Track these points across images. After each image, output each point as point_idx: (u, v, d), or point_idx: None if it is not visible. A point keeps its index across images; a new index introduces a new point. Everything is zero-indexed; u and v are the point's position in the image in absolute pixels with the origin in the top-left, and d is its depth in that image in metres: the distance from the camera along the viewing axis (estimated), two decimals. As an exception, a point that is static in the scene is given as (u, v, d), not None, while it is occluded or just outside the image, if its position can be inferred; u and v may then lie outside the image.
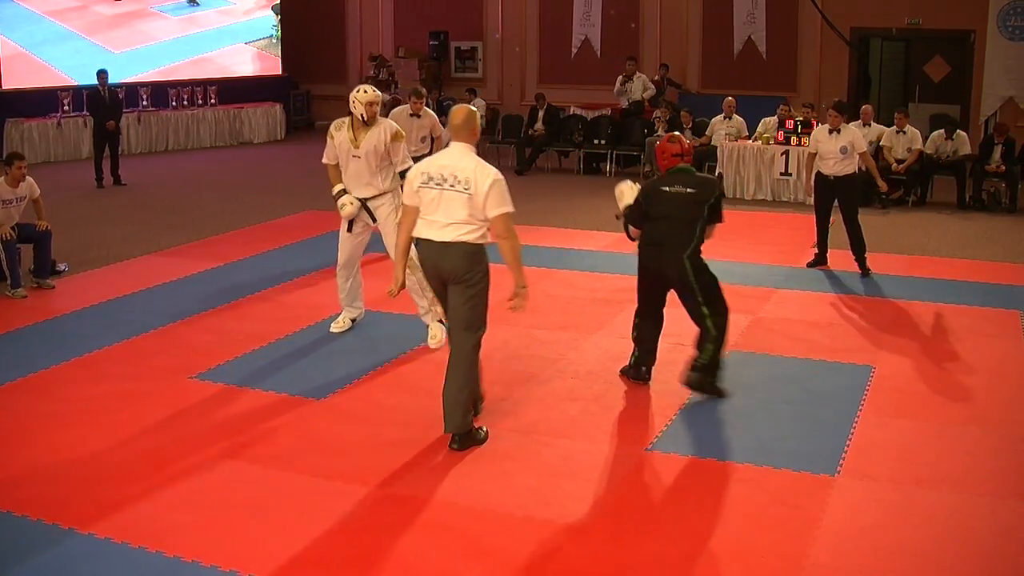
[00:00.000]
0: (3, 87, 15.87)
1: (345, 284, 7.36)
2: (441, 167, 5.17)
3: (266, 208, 12.11)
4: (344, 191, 7.06)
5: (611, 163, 15.22)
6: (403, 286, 5.51)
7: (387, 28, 19.61)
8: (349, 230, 7.18)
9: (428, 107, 10.13)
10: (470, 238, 5.12)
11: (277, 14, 19.30)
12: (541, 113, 15.45)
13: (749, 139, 13.43)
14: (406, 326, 7.42)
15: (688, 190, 5.97)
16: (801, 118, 13.00)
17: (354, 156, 6.96)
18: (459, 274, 5.15)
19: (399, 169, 6.95)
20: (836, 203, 9.19)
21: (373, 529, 4.50)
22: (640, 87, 15.71)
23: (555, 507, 4.70)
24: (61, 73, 16.49)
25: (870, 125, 12.85)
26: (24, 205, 8.52)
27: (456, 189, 5.09)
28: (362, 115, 6.87)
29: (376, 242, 7.50)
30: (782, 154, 12.90)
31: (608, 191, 11.18)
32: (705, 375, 6.01)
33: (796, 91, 15.95)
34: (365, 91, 6.95)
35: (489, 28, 18.71)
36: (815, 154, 9.40)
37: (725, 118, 13.76)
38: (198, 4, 18.20)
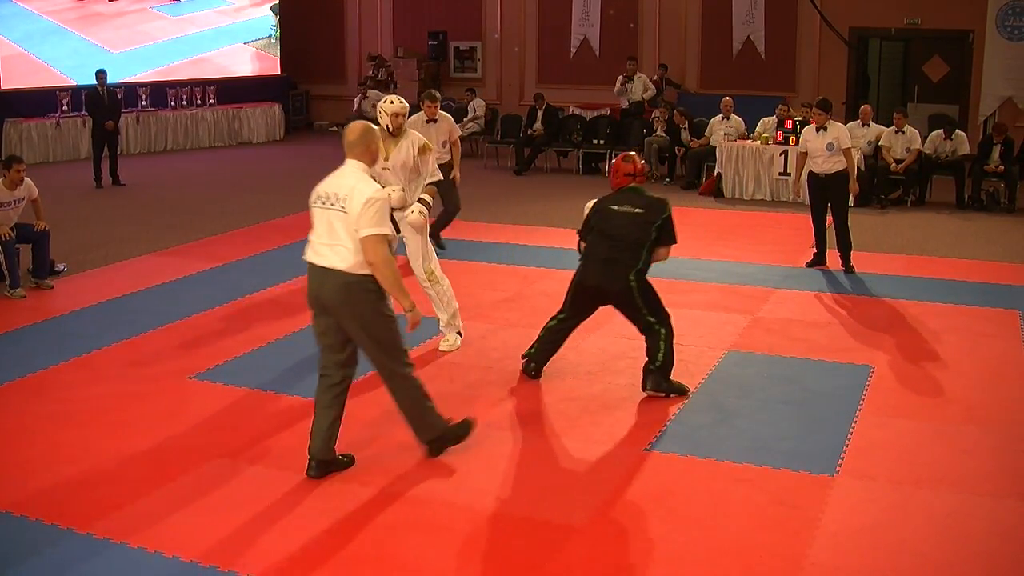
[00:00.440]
0: (2, 87, 15.85)
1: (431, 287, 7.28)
2: (329, 185, 4.83)
3: (265, 208, 12.11)
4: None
5: (610, 163, 15.19)
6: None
7: (386, 28, 19.60)
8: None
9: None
10: (346, 265, 4.69)
11: (276, 14, 19.30)
12: (540, 113, 15.45)
13: (748, 139, 13.43)
14: (406, 326, 7.41)
15: (636, 210, 6.01)
16: (800, 118, 12.98)
17: (384, 168, 6.90)
18: (340, 308, 4.77)
19: (428, 182, 6.92)
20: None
21: (373, 529, 4.50)
22: (640, 87, 15.71)
23: (555, 507, 4.70)
24: (60, 73, 16.47)
25: (869, 125, 12.86)
26: (23, 206, 8.52)
27: (335, 208, 4.74)
28: (387, 126, 6.83)
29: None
30: (781, 154, 12.90)
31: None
32: (663, 376, 6.04)
33: (795, 91, 15.95)
34: (391, 101, 6.92)
35: (488, 28, 18.71)
36: (806, 153, 9.43)
37: (723, 118, 13.77)
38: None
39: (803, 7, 15.91)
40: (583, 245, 6.23)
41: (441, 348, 6.93)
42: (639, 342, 7.06)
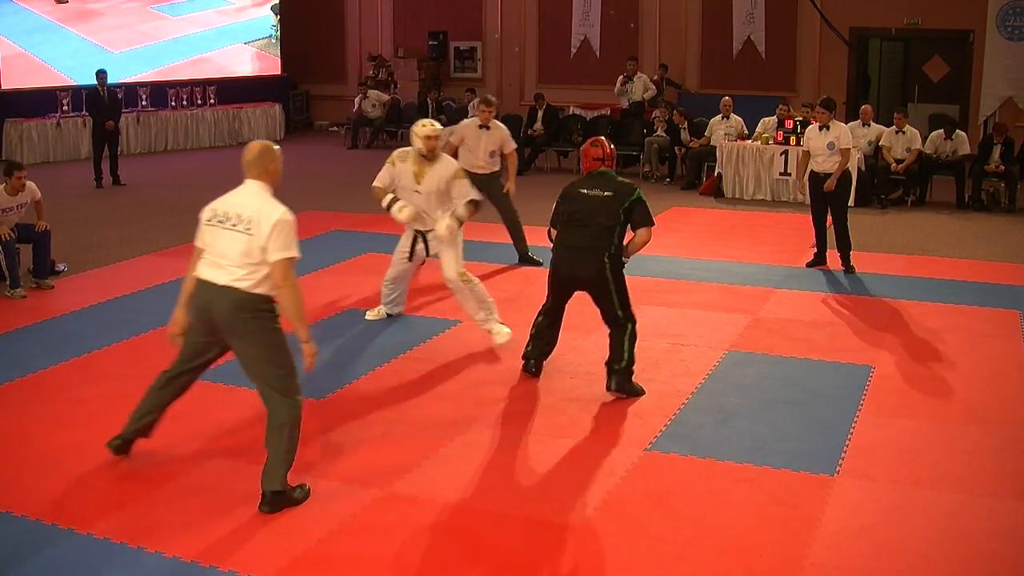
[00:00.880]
0: (2, 87, 15.86)
1: (390, 295, 7.51)
2: (228, 205, 4.70)
3: (265, 208, 12.09)
4: (395, 199, 6.99)
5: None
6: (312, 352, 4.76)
7: (386, 28, 19.60)
8: (410, 259, 7.22)
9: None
10: (243, 285, 4.57)
11: (276, 14, 19.30)
12: (540, 113, 15.45)
13: (748, 139, 13.43)
14: (406, 326, 7.43)
15: (605, 193, 5.99)
16: (800, 118, 12.99)
17: (415, 191, 6.92)
18: (231, 325, 4.62)
19: (464, 201, 6.90)
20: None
21: (373, 529, 4.50)
22: (641, 87, 15.71)
23: (555, 507, 4.70)
24: (60, 73, 16.48)
25: (869, 125, 12.86)
26: (25, 210, 8.52)
27: (237, 229, 4.59)
28: (419, 149, 6.86)
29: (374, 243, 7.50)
30: (781, 154, 12.90)
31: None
32: (627, 377, 6.02)
33: (795, 91, 15.95)
34: (424, 124, 6.95)
35: (488, 28, 18.71)
36: (809, 152, 9.41)
37: (723, 118, 13.77)
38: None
39: (803, 7, 15.91)
40: (554, 233, 6.23)
41: (499, 342, 6.90)
42: (640, 341, 7.05)
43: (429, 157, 6.91)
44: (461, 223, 6.95)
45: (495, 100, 9.40)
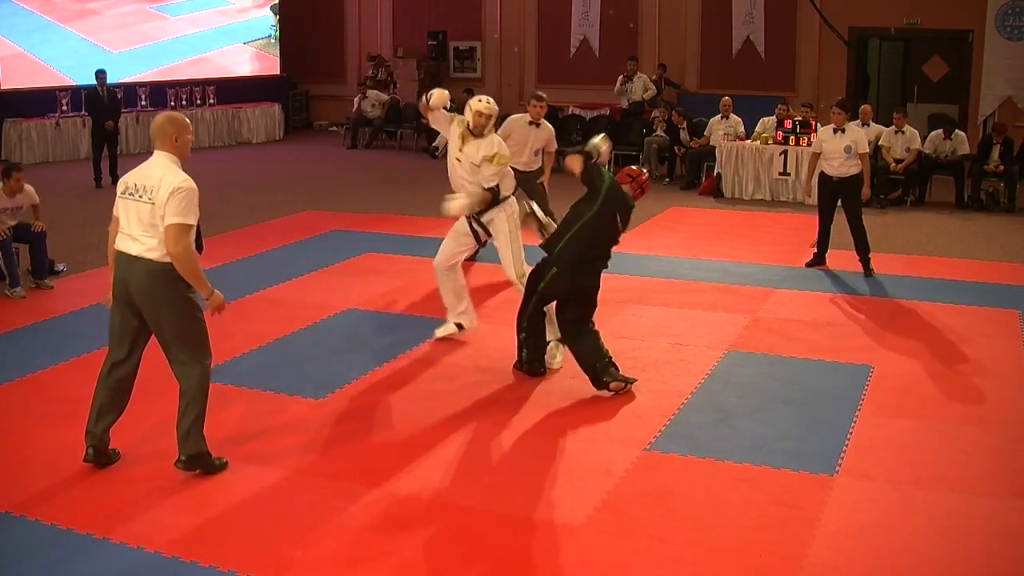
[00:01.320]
0: (1, 87, 15.85)
1: (445, 283, 7.09)
2: (136, 176, 4.85)
3: (265, 208, 12.11)
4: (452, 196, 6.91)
5: (610, 163, 15.21)
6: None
7: (386, 28, 19.61)
8: (479, 243, 7.11)
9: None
10: (153, 255, 4.71)
11: (276, 14, 19.30)
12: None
13: (747, 139, 13.43)
14: (406, 326, 7.43)
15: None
16: (800, 118, 13.01)
17: (456, 158, 6.88)
18: (146, 295, 4.76)
19: (486, 186, 6.80)
20: (840, 204, 9.17)
21: (373, 529, 4.50)
22: (641, 87, 15.72)
23: (555, 507, 4.70)
24: (59, 73, 16.46)
25: (869, 125, 12.85)
26: (23, 212, 8.51)
27: (143, 200, 4.75)
28: (469, 122, 6.79)
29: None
30: (781, 154, 12.90)
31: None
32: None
33: (795, 91, 15.95)
34: (480, 100, 6.85)
35: (488, 28, 18.71)
36: (818, 154, 9.33)
37: (722, 118, 13.77)
38: None
39: (803, 7, 15.91)
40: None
41: (554, 367, 6.67)
42: (639, 341, 7.10)
43: (477, 133, 6.79)
44: (468, 209, 6.75)
45: (545, 96, 9.33)
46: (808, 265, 9.33)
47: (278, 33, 19.36)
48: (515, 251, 6.92)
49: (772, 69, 16.38)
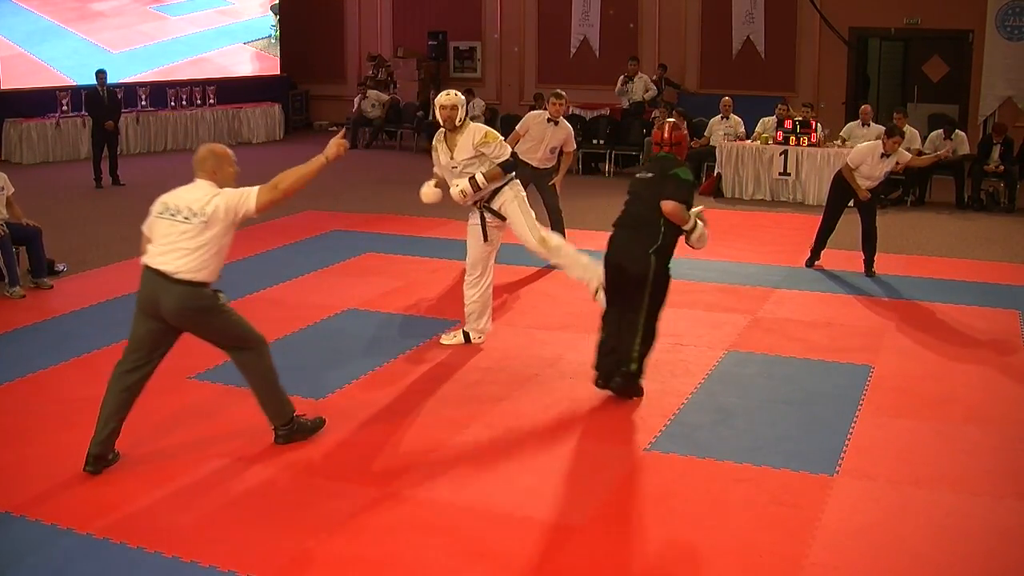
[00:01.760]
0: (2, 87, 15.86)
1: (472, 291, 6.90)
2: (174, 198, 5.01)
3: (265, 208, 12.09)
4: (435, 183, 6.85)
5: (610, 163, 15.23)
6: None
7: (386, 28, 19.61)
8: (485, 240, 6.88)
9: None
10: (185, 276, 4.89)
11: (276, 14, 19.30)
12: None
13: (747, 139, 13.43)
14: (406, 326, 7.42)
15: (649, 174, 5.78)
16: (800, 118, 13.01)
17: (452, 167, 6.68)
18: (181, 316, 4.95)
19: (499, 162, 6.62)
20: (853, 206, 9.14)
21: (373, 529, 4.50)
22: (642, 87, 15.72)
23: (555, 507, 4.70)
24: (60, 73, 16.47)
25: (869, 125, 12.87)
26: (3, 198, 8.45)
27: (178, 219, 4.93)
28: (446, 119, 6.63)
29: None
30: (781, 154, 12.91)
31: (608, 191, 11.19)
32: (630, 380, 5.82)
33: (795, 91, 15.96)
34: (446, 93, 6.69)
35: (488, 28, 18.72)
36: (851, 167, 9.07)
37: (723, 118, 13.78)
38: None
39: (803, 7, 15.92)
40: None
41: (599, 298, 6.54)
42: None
43: (450, 128, 6.66)
44: (477, 188, 6.55)
45: (564, 94, 9.30)
46: (808, 264, 9.32)
47: (278, 33, 19.37)
48: (528, 220, 6.79)
49: (772, 69, 16.39)
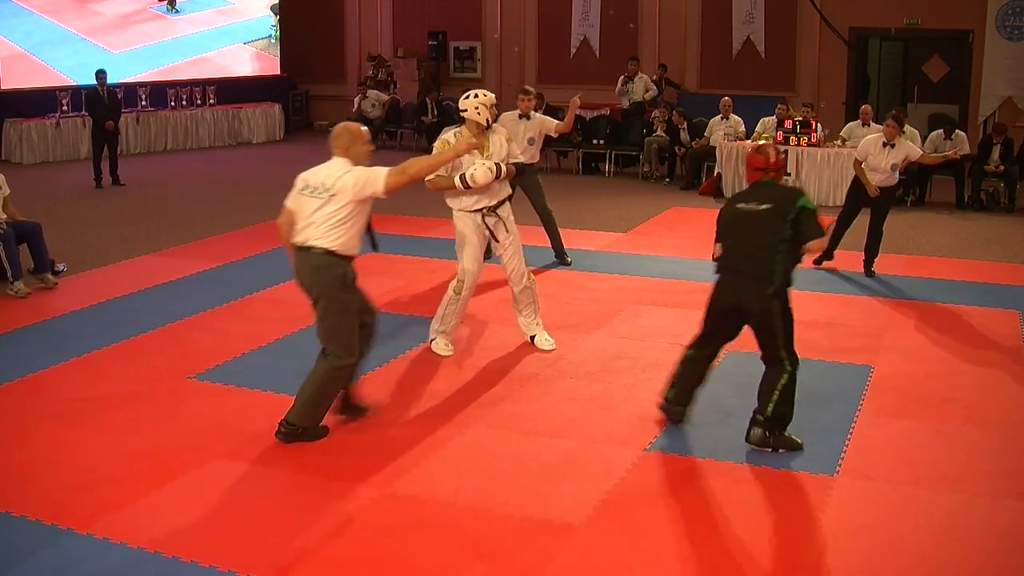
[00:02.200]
0: (2, 87, 15.86)
1: (468, 296, 6.80)
2: (314, 176, 5.28)
3: (265, 208, 12.08)
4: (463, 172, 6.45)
5: (610, 163, 15.23)
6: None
7: (386, 28, 19.61)
8: (496, 241, 6.72)
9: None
10: (321, 244, 5.17)
11: (276, 14, 19.30)
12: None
13: (748, 139, 13.43)
14: (406, 326, 7.42)
15: (763, 206, 5.19)
16: (800, 118, 13.01)
17: (490, 169, 6.40)
18: (311, 284, 5.25)
19: (514, 161, 6.68)
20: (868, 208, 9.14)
21: (373, 529, 4.50)
22: (642, 87, 15.72)
23: (555, 507, 4.71)
24: (60, 73, 16.48)
25: (869, 125, 12.84)
26: (1, 199, 8.45)
27: (316, 195, 5.19)
28: (483, 121, 6.51)
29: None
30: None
31: (607, 191, 11.16)
32: (772, 427, 5.31)
33: (795, 91, 15.96)
34: (477, 95, 6.53)
35: (488, 28, 18.72)
36: (860, 162, 9.11)
37: (722, 118, 13.78)
38: (178, 11, 18.09)
39: (803, 7, 15.92)
40: (717, 250, 5.51)
41: (546, 349, 6.77)
42: (639, 341, 7.09)
43: (487, 127, 6.56)
44: (497, 173, 6.33)
45: (533, 90, 9.35)
46: (816, 263, 9.23)
47: (278, 33, 19.37)
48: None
49: (772, 69, 16.39)
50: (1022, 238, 10.79)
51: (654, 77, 16.15)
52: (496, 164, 6.33)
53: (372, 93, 17.85)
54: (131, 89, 16.73)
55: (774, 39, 16.40)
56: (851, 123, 13.32)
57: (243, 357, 6.77)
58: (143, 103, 17.05)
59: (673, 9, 17.07)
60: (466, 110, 6.54)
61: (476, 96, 6.54)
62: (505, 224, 6.71)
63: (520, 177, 7.51)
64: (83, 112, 15.30)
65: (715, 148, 13.40)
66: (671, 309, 7.93)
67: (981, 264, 9.61)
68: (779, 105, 13.59)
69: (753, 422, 5.33)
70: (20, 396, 6.10)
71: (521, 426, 5.67)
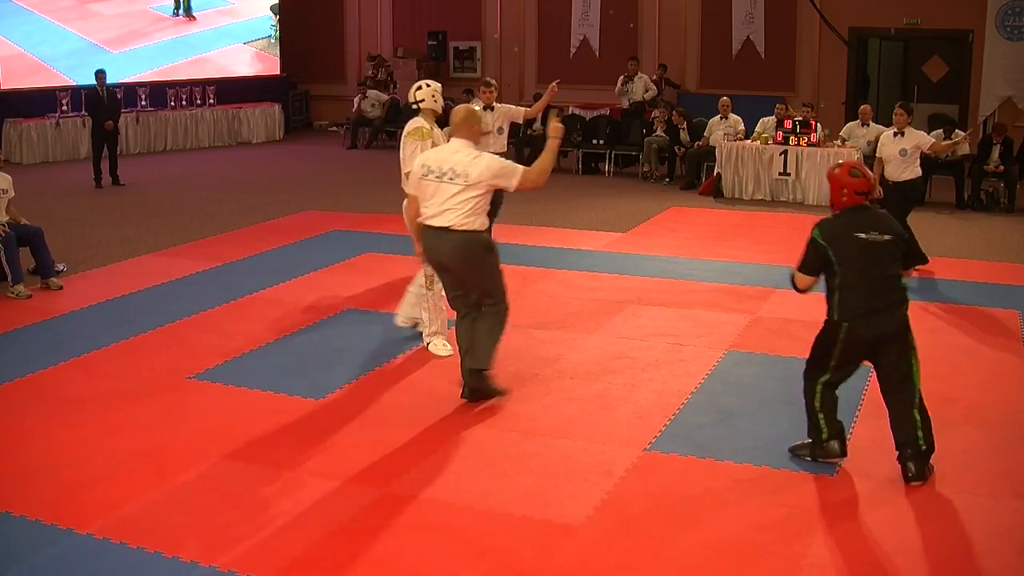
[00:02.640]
0: (1, 87, 15.86)
1: (433, 300, 6.81)
2: (439, 161, 5.65)
3: (265, 208, 12.11)
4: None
5: (609, 163, 15.23)
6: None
7: (386, 28, 19.62)
8: None
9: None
10: (457, 225, 5.57)
11: (276, 14, 19.30)
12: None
13: (747, 139, 13.43)
14: (406, 327, 7.42)
15: (885, 237, 4.99)
16: (800, 118, 13.01)
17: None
18: (458, 260, 5.65)
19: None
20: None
21: (373, 529, 4.50)
22: (642, 87, 15.72)
23: (555, 507, 4.70)
24: (59, 73, 16.47)
25: (868, 125, 12.86)
26: (6, 201, 8.46)
27: (447, 180, 5.58)
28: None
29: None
30: (780, 154, 12.90)
31: (607, 191, 11.15)
32: (926, 460, 5.04)
33: (795, 91, 15.96)
34: (435, 83, 7.02)
35: (488, 28, 18.72)
36: (881, 158, 9.20)
37: (722, 118, 13.77)
38: (190, 14, 18.15)
39: (803, 7, 15.92)
40: (805, 281, 5.27)
41: (441, 355, 6.76)
42: (639, 342, 7.09)
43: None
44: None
45: (494, 82, 9.47)
46: None
47: (278, 33, 19.37)
48: None
49: (772, 69, 16.39)
50: (1022, 238, 10.79)
51: (654, 77, 16.16)
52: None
53: (372, 93, 17.85)
54: (131, 89, 16.73)
55: (774, 39, 16.40)
56: (851, 123, 13.33)
57: (243, 357, 6.77)
58: (143, 103, 17.05)
59: (673, 9, 17.07)
60: (423, 100, 6.84)
61: (429, 86, 6.94)
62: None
63: None
64: (83, 112, 15.30)
65: (715, 148, 13.40)
66: (671, 309, 7.92)
67: (981, 264, 9.61)
68: (779, 105, 13.58)
69: (909, 457, 5.00)
70: (20, 396, 6.10)
71: (521, 426, 5.67)
